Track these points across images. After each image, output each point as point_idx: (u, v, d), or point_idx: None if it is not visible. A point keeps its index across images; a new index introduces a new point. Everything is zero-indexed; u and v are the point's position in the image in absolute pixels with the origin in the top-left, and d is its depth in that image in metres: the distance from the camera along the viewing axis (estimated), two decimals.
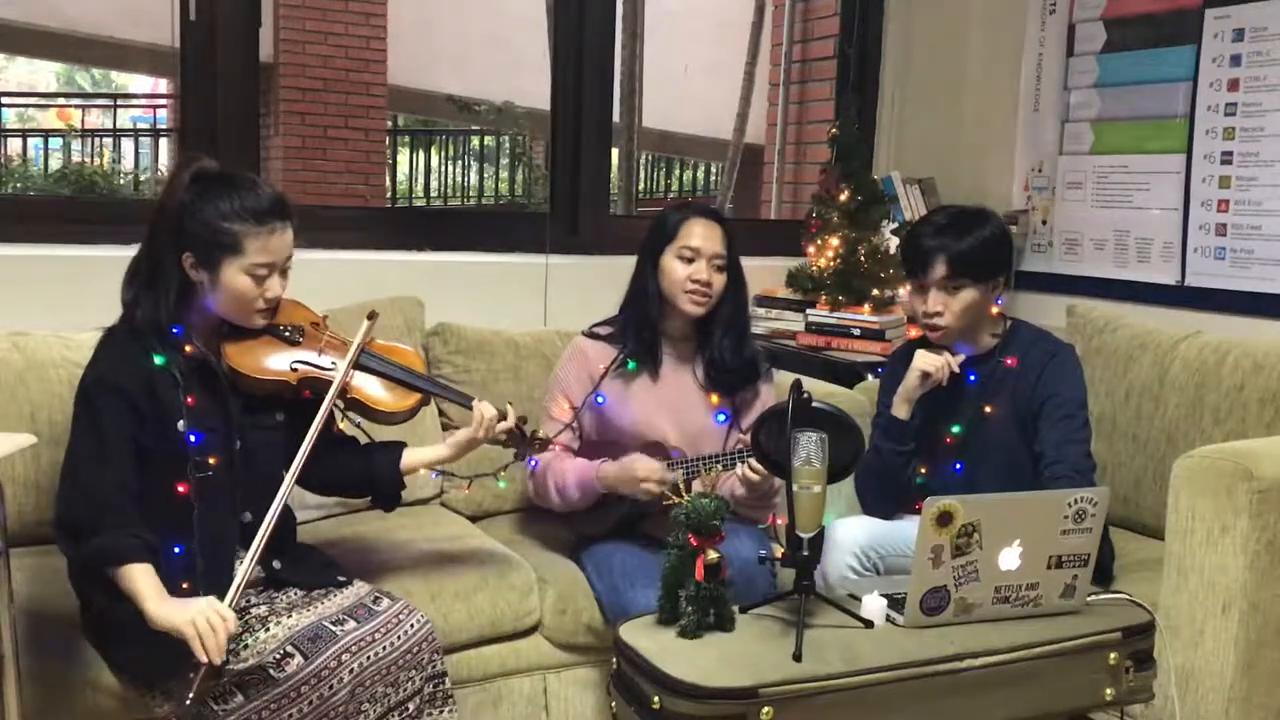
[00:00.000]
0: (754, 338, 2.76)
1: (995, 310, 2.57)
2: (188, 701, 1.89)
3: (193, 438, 2.05)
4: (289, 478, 2.09)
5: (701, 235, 2.59)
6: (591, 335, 2.71)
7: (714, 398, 2.64)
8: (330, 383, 2.17)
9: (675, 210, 2.68)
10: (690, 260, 2.58)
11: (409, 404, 2.26)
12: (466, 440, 2.29)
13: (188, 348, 2.10)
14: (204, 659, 1.89)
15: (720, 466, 2.44)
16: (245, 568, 2.00)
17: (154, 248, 2.11)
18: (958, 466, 2.55)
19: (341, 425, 2.33)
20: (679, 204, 2.73)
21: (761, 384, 2.69)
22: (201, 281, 2.10)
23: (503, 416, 2.28)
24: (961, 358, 2.52)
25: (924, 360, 2.48)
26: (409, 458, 2.32)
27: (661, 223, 2.65)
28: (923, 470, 2.56)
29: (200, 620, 1.89)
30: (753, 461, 2.36)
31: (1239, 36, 3.19)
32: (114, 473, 2.02)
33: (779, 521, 1.97)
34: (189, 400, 2.07)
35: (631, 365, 2.63)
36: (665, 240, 2.61)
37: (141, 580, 1.95)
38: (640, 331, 2.64)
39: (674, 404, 2.64)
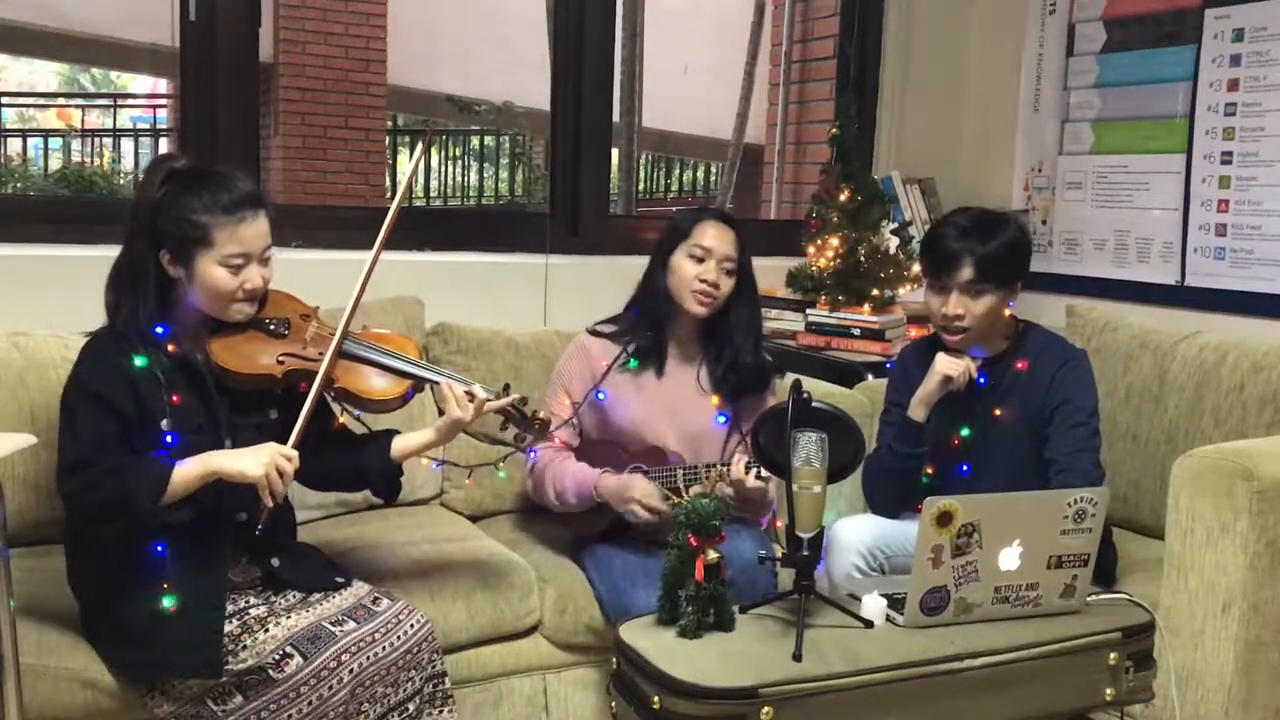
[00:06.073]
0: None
1: (1008, 313, 2.55)
2: (257, 532, 2.05)
3: (169, 439, 2.04)
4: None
5: (714, 236, 2.59)
6: (595, 333, 2.71)
7: (715, 399, 2.64)
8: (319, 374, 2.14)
9: (690, 211, 2.70)
10: (701, 260, 2.58)
11: (399, 391, 2.23)
12: (450, 422, 2.21)
13: (171, 347, 2.09)
14: (269, 503, 2.02)
15: (719, 472, 2.44)
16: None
17: (132, 249, 2.11)
18: (965, 468, 2.54)
19: (342, 419, 2.31)
20: (696, 206, 2.72)
21: (767, 394, 2.69)
22: (180, 278, 2.09)
23: (500, 395, 2.25)
24: (979, 362, 2.51)
25: (946, 364, 2.46)
26: (399, 444, 2.28)
27: (676, 222, 2.67)
28: (929, 470, 2.55)
29: (272, 471, 2.00)
30: (741, 474, 2.37)
31: (1239, 36, 3.19)
32: (102, 461, 2.01)
33: (779, 524, 1.97)
34: (174, 399, 2.06)
35: (633, 364, 2.63)
36: (679, 239, 2.62)
37: (190, 468, 2.00)
38: (648, 328, 2.64)
39: (675, 405, 2.64)
